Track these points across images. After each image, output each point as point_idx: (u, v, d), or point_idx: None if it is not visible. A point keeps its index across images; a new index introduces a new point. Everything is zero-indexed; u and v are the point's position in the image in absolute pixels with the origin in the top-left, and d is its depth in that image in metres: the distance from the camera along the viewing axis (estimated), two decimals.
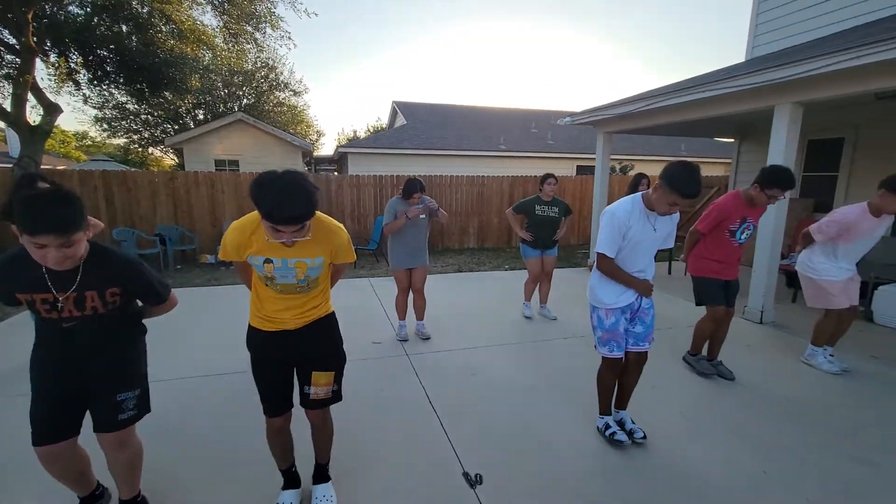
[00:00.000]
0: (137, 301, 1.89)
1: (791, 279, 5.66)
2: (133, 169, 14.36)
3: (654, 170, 15.09)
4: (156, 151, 24.10)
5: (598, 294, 2.43)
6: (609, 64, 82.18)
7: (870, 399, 3.10)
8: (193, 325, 4.50)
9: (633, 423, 2.59)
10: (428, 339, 4.17)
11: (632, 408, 2.68)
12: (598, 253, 2.35)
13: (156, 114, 20.24)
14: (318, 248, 1.77)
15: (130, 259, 1.74)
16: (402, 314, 4.21)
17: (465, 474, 2.28)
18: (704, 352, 3.54)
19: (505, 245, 10.20)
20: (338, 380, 1.96)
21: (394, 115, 20.10)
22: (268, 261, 1.72)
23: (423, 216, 3.94)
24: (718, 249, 3.25)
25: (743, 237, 3.22)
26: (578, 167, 15.24)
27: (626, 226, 2.26)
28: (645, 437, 2.50)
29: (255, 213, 1.64)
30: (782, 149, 4.39)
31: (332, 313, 2.02)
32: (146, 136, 21.70)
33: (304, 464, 2.13)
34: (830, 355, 3.55)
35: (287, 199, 1.48)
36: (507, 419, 2.81)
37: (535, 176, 10.23)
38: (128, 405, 1.76)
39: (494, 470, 2.31)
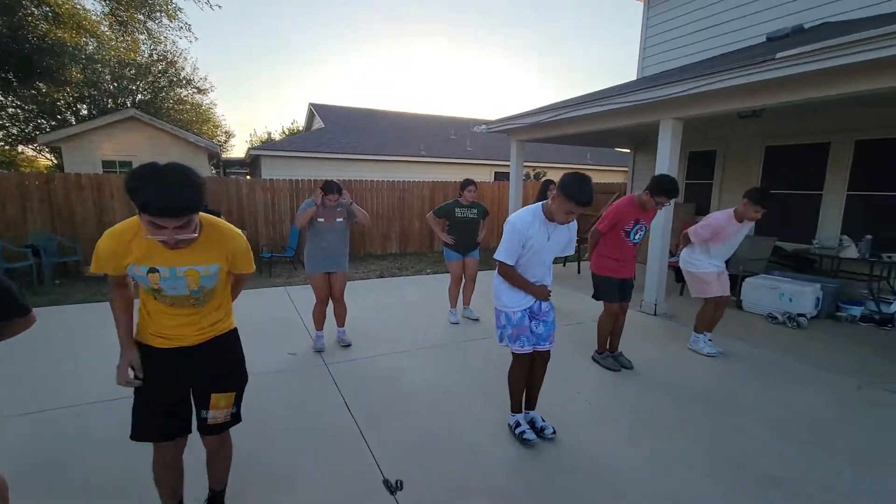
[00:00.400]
0: None
1: (679, 275, 6.37)
2: None
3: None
4: (27, 150, 20.90)
5: (503, 298, 2.56)
6: (521, 79, 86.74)
7: (741, 376, 3.59)
8: (77, 347, 3.97)
9: (544, 421, 2.72)
10: (348, 346, 4.07)
11: (544, 400, 2.83)
12: (498, 260, 2.49)
13: (27, 107, 17.57)
14: (211, 254, 1.61)
15: None
16: (319, 324, 4.03)
17: (386, 481, 2.25)
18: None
19: (427, 250, 10.29)
20: (237, 401, 1.82)
21: (311, 117, 19.41)
22: (152, 270, 1.53)
23: (342, 219, 3.82)
24: (616, 248, 3.59)
25: (637, 237, 3.58)
26: (496, 173, 15.84)
27: (525, 236, 2.40)
28: (555, 432, 2.65)
29: (136, 217, 1.47)
30: (667, 159, 4.94)
31: (235, 329, 1.87)
32: (14, 132, 18.73)
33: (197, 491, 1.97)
34: (709, 339, 4.05)
35: (168, 187, 1.34)
36: (429, 422, 2.83)
37: (456, 181, 10.45)
38: None
39: (415, 475, 2.31)
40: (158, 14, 9.72)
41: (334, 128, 15.66)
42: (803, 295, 4.90)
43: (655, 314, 5.20)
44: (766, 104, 4.22)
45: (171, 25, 9.92)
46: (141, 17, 9.60)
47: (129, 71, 19.26)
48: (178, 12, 9.70)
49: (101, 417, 2.80)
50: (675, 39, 7.79)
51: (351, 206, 3.86)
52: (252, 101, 65.71)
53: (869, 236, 5.35)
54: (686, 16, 7.60)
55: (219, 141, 26.42)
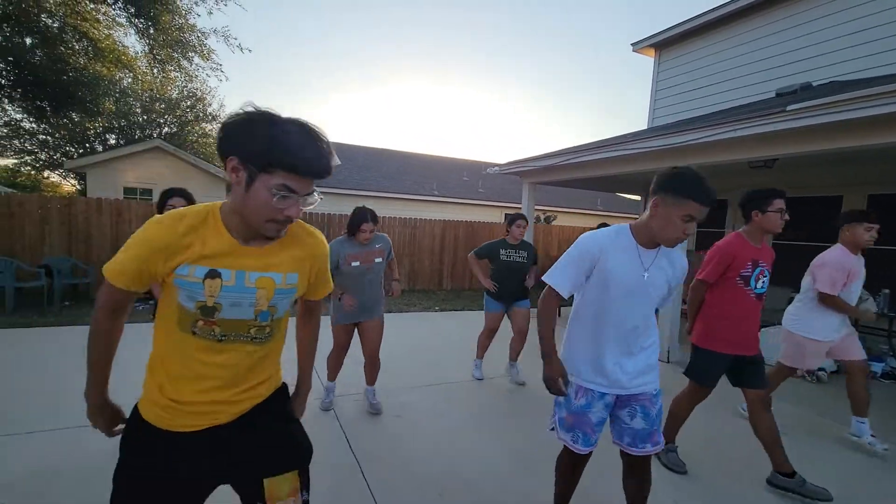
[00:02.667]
0: None
1: None
2: (17, 192, 12.74)
3: (574, 220, 16.25)
4: (53, 175, 21.68)
5: (570, 359, 1.75)
6: (534, 124, 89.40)
7: None
8: (77, 369, 3.92)
9: None
10: (379, 413, 3.29)
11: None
12: (546, 283, 1.70)
13: (57, 134, 18.38)
14: (290, 256, 1.15)
15: None
16: (332, 373, 3.36)
17: None
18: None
19: (436, 287, 10.26)
20: (306, 483, 1.21)
21: None
22: (213, 274, 1.03)
23: (380, 259, 3.17)
24: (734, 305, 2.52)
25: (759, 286, 2.52)
26: (506, 215, 16.01)
27: (597, 254, 1.61)
28: None
29: (201, 205, 1.11)
30: None
31: (285, 384, 1.33)
32: (42, 158, 19.53)
33: None
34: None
35: (312, 138, 1.00)
36: (431, 460, 2.72)
37: (467, 221, 10.58)
38: None
39: None
40: (192, 54, 10.32)
41: (348, 165, 16.09)
42: None
43: (668, 361, 5.06)
44: (775, 154, 4.28)
45: (204, 65, 10.50)
46: (177, 55, 10.21)
47: (158, 105, 20.22)
48: (211, 53, 10.30)
49: (95, 441, 2.73)
50: (686, 93, 8.05)
51: (390, 246, 3.26)
52: None
53: (886, 290, 5.25)
54: (696, 71, 7.88)
55: None
